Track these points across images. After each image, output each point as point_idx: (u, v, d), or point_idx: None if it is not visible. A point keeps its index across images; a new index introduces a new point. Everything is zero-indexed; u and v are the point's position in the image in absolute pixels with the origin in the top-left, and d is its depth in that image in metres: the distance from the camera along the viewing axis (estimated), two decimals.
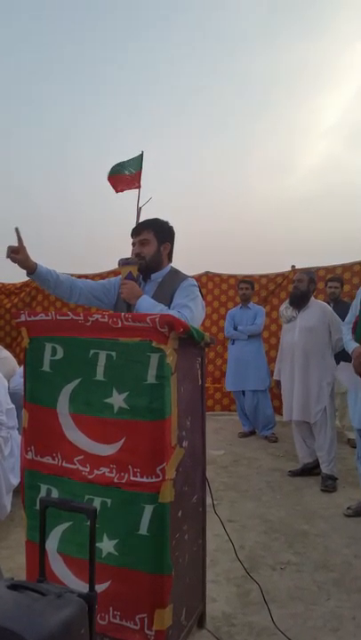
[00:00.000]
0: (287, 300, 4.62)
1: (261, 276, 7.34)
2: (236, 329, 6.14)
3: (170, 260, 2.54)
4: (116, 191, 6.74)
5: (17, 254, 2.26)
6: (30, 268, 2.31)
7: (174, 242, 2.55)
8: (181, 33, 11.42)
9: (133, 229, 2.51)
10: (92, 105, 12.18)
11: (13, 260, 2.27)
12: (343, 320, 4.17)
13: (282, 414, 4.76)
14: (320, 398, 4.23)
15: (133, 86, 11.67)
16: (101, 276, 7.46)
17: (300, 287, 4.38)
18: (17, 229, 2.25)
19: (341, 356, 4.10)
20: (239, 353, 6.09)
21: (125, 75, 11.75)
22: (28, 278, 2.41)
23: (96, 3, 10.81)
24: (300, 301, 4.39)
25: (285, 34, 11.17)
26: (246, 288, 6.20)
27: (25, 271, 2.34)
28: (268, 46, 11.38)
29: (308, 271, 4.88)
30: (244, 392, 6.11)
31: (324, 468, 4.23)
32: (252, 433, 6.18)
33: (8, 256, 2.27)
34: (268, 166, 11.80)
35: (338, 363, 4.27)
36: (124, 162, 6.82)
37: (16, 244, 2.26)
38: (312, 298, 4.45)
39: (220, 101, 11.79)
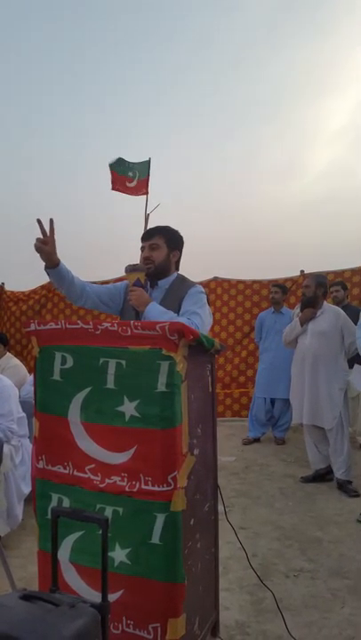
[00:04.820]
0: (299, 305, 4.60)
1: (270, 281, 7.31)
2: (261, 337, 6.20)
3: (177, 268, 2.53)
4: (112, 188, 6.80)
5: (45, 245, 2.23)
6: (54, 262, 2.27)
7: (182, 251, 2.54)
8: (188, 39, 11.52)
9: (145, 233, 2.50)
10: (100, 111, 12.30)
11: (39, 250, 2.22)
12: (354, 324, 4.16)
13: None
14: (334, 404, 4.19)
15: (141, 93, 11.76)
16: (107, 282, 7.47)
17: (307, 293, 4.35)
18: (51, 220, 2.23)
19: (356, 359, 4.07)
20: (273, 359, 5.98)
21: (133, 82, 11.86)
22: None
23: (103, 7, 10.92)
24: (309, 307, 4.36)
25: (292, 38, 11.24)
26: (276, 292, 6.10)
27: (44, 264, 2.28)
28: (274, 51, 11.43)
29: (317, 276, 4.83)
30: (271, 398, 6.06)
31: (341, 474, 4.20)
32: (257, 440, 6.09)
33: (36, 245, 2.22)
34: (275, 171, 11.83)
35: (351, 367, 4.23)
36: (129, 163, 6.85)
37: (47, 236, 2.23)
38: (325, 302, 4.42)
39: (227, 107, 11.86)
